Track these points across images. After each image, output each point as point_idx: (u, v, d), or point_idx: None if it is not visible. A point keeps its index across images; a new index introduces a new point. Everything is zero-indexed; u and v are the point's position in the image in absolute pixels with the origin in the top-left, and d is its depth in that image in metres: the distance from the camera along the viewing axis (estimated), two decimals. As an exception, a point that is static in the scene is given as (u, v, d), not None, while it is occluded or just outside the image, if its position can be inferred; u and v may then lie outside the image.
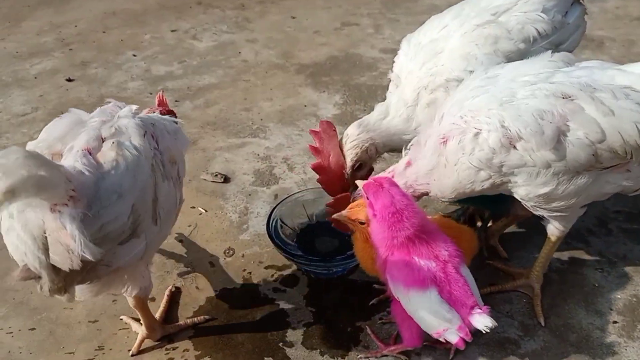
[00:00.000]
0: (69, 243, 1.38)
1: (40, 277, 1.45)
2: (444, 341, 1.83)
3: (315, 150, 2.31)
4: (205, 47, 4.48)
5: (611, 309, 2.18)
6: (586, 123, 1.76)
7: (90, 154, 1.55)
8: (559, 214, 2.00)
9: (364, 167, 2.36)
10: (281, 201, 2.51)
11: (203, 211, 2.74)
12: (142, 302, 1.98)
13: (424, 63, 2.25)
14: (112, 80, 4.03)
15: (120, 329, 2.19)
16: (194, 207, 2.77)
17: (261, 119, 3.49)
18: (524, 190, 1.91)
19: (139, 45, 4.56)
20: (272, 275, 2.40)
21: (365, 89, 3.79)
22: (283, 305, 2.26)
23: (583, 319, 2.15)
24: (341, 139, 2.33)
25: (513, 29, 2.20)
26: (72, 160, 1.52)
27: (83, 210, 1.41)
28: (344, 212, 2.00)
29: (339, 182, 2.29)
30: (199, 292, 2.33)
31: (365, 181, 1.94)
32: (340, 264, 2.24)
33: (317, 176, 2.32)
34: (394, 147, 2.35)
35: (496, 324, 1.76)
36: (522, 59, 2.10)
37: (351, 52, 4.32)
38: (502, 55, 2.17)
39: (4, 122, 3.54)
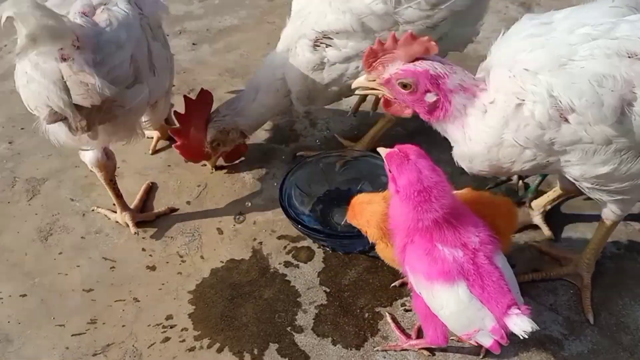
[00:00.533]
0: (89, 81, 1.60)
1: (65, 118, 1.65)
2: (475, 343, 1.57)
3: (180, 117, 2.32)
4: (230, -17, 4.11)
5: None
6: None
7: (86, 15, 1.73)
8: (620, 197, 1.67)
9: (225, 146, 2.36)
10: (297, 164, 2.24)
11: (212, 170, 2.50)
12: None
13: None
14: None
15: (116, 301, 2.01)
16: (204, 165, 2.52)
17: (284, 67, 3.17)
18: (578, 171, 1.57)
19: (159, -20, 4.22)
20: (285, 247, 2.16)
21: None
22: (294, 282, 2.03)
23: (640, 317, 1.86)
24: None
25: None
26: (71, 18, 1.68)
27: (92, 56, 1.64)
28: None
29: (198, 153, 2.36)
30: (203, 262, 2.12)
31: (388, 150, 1.62)
32: (359, 241, 1.97)
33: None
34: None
35: (537, 327, 1.46)
36: None
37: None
38: None
39: None
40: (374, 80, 1.65)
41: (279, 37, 2.33)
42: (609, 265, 2.01)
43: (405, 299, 1.94)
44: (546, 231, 2.13)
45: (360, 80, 1.68)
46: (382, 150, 1.64)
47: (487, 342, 1.52)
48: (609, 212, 1.78)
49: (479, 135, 1.58)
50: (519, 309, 1.49)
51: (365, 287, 2.00)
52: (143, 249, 2.18)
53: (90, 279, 2.08)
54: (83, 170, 2.52)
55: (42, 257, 2.17)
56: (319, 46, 2.11)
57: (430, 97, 1.58)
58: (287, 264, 2.10)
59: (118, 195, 2.21)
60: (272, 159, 2.56)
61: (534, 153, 1.55)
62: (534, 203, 2.18)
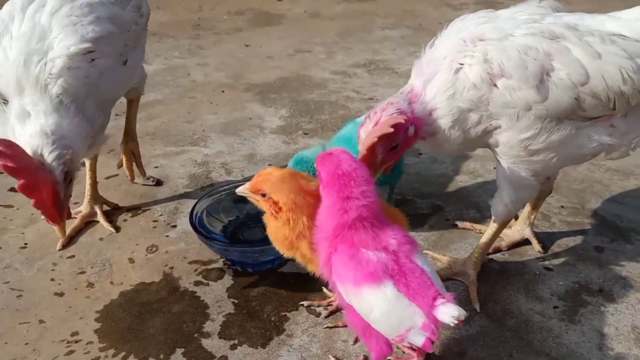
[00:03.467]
0: None
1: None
2: (409, 346, 1.65)
3: (13, 170, 1.70)
4: (155, 69, 4.41)
5: (552, 295, 2.06)
6: (570, 63, 1.70)
7: None
8: (529, 173, 1.89)
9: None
10: (208, 193, 2.37)
11: (128, 214, 2.58)
12: None
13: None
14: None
15: (20, 323, 1.98)
16: (119, 208, 2.61)
17: (203, 130, 3.39)
18: (506, 136, 1.81)
19: (87, 68, 4.47)
20: (196, 270, 2.22)
21: (312, 104, 3.74)
22: (204, 297, 2.08)
23: (523, 304, 2.02)
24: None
25: None
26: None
27: None
28: (245, 185, 1.78)
29: (56, 201, 1.80)
30: (112, 286, 2.15)
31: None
32: (269, 251, 2.06)
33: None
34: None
35: (465, 313, 1.48)
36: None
37: (302, 74, 4.30)
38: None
39: None
40: (379, 167, 1.85)
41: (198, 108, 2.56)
42: (494, 266, 2.21)
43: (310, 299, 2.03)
44: (535, 244, 2.29)
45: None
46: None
47: (419, 341, 1.51)
48: (500, 207, 1.99)
49: (442, 109, 1.80)
50: (444, 297, 1.51)
51: (273, 297, 2.08)
52: (52, 279, 2.19)
53: (-6, 307, 2.06)
54: (-4, 217, 2.55)
55: (-56, 291, 2.13)
56: None
57: (411, 130, 1.81)
58: (197, 283, 2.16)
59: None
60: (186, 201, 2.67)
61: (479, 116, 1.79)
62: (519, 218, 2.34)
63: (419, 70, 1.88)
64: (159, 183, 2.82)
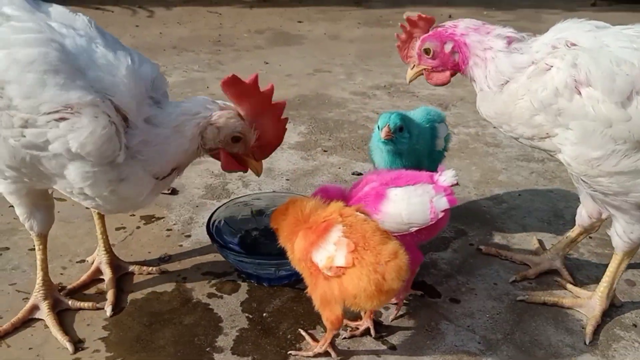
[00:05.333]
0: None
1: None
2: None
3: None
4: (174, 81, 4.39)
5: (583, 328, 1.95)
6: None
7: None
8: (611, 201, 1.77)
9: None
10: (227, 202, 2.29)
11: (141, 222, 2.51)
12: None
13: None
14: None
15: (25, 327, 1.89)
16: (133, 215, 2.54)
17: (220, 142, 3.33)
18: (573, 151, 1.66)
19: (105, 76, 4.46)
20: (210, 282, 2.14)
21: (332, 123, 3.69)
22: (217, 310, 1.99)
23: (552, 336, 1.92)
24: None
25: None
26: None
27: None
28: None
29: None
30: (122, 294, 2.06)
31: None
32: (286, 265, 1.99)
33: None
34: None
35: (457, 173, 1.80)
36: None
37: (321, 93, 4.26)
38: None
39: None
40: (413, 66, 1.95)
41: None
42: (521, 295, 2.10)
43: (327, 322, 1.93)
44: (566, 275, 2.19)
45: (409, 73, 1.98)
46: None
47: (444, 203, 1.74)
48: (617, 239, 1.87)
49: (501, 67, 1.75)
50: (438, 171, 1.81)
51: (289, 313, 1.98)
52: (60, 283, 2.10)
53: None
54: (6, 217, 2.48)
55: (-52, 289, 2.05)
56: None
57: (448, 46, 1.84)
58: (210, 295, 2.07)
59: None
60: (202, 211, 2.60)
61: (543, 119, 1.68)
62: (553, 248, 2.25)
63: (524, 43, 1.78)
64: (174, 192, 2.76)
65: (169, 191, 2.74)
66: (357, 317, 1.92)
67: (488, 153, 3.33)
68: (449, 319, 1.97)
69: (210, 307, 2.01)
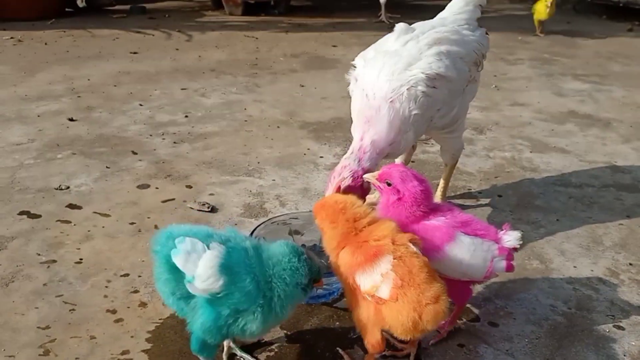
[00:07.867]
0: None
1: None
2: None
3: None
4: (212, 102, 4.51)
5: (625, 355, 1.92)
6: None
7: None
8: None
9: None
10: (265, 221, 2.34)
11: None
12: None
13: None
14: (114, 123, 4.01)
15: (71, 337, 1.95)
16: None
17: (258, 162, 3.40)
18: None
19: (147, 97, 4.61)
20: (249, 298, 2.17)
21: (367, 145, 3.72)
22: (256, 326, 2.02)
23: (593, 362, 1.90)
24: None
25: None
26: None
27: None
28: (373, 173, 1.97)
29: None
30: (165, 308, 2.10)
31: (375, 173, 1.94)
32: (325, 285, 2.02)
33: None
34: None
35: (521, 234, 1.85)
36: None
37: (356, 116, 4.31)
38: None
39: (-3, 148, 3.49)
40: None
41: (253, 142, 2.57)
42: (561, 320, 2.09)
43: (365, 342, 1.95)
44: None
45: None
46: (370, 176, 1.95)
47: (503, 266, 1.80)
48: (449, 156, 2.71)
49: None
50: (503, 229, 1.86)
51: (327, 332, 2.01)
52: (105, 296, 2.17)
53: (47, 319, 2.04)
54: (53, 232, 2.58)
55: (-1, 299, 2.14)
56: None
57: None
58: (249, 312, 2.10)
59: None
60: (241, 229, 2.64)
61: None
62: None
63: None
64: (213, 210, 2.82)
65: (209, 209, 2.81)
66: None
67: (525, 177, 3.32)
68: (487, 342, 1.97)
69: (250, 323, 2.04)
